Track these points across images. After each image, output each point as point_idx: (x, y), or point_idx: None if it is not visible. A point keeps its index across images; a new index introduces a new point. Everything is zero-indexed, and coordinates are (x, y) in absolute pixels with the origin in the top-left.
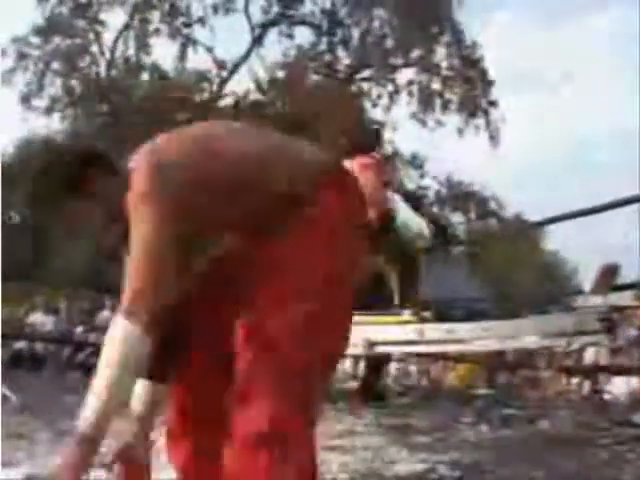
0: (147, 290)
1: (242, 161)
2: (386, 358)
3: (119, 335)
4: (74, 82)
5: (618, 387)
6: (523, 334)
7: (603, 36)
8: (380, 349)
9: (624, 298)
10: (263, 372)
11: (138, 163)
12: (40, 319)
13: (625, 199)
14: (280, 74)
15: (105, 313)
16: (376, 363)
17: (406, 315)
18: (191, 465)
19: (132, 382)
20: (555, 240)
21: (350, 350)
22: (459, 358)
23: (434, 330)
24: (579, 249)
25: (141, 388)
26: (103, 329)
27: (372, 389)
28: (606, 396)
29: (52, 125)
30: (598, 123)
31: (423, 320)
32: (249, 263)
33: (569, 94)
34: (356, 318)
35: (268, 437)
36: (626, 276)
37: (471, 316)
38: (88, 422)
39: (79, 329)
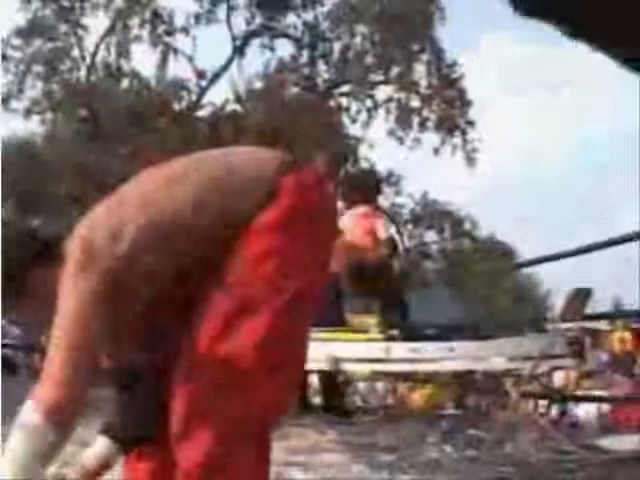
0: (62, 380)
1: (176, 211)
2: (347, 375)
3: (24, 428)
4: (54, 86)
5: (587, 410)
6: (490, 356)
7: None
8: (346, 366)
9: (599, 324)
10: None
11: (71, 243)
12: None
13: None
14: (259, 85)
15: None
16: (336, 380)
17: (373, 332)
18: None
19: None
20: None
21: (315, 365)
22: (426, 378)
23: (400, 349)
24: (554, 271)
25: (102, 445)
26: None
27: (337, 406)
28: (574, 420)
29: (31, 128)
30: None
31: (390, 338)
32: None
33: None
34: (322, 334)
35: (208, 468)
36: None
37: (441, 336)
38: None
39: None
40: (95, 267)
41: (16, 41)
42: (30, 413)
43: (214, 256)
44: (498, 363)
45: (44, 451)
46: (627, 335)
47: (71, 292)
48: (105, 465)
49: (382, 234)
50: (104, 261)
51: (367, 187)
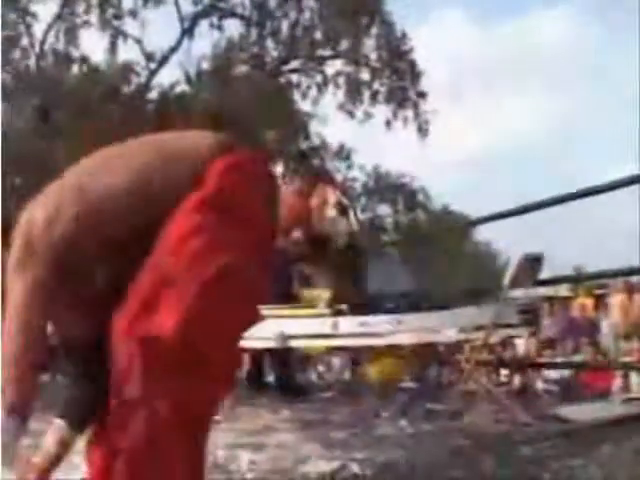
0: (15, 377)
1: (109, 197)
2: (300, 352)
3: None
4: (5, 75)
5: (548, 380)
6: (440, 327)
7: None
8: (294, 342)
9: (558, 290)
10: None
11: (15, 234)
12: None
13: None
14: (208, 66)
15: None
16: (287, 357)
17: (321, 308)
18: None
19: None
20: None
21: (264, 343)
22: (381, 352)
23: (348, 323)
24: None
25: (58, 428)
26: None
27: (289, 384)
28: (535, 389)
29: None
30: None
31: (338, 313)
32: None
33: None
34: (270, 311)
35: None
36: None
37: (392, 309)
38: None
39: None
40: (34, 260)
41: None
42: None
43: (149, 239)
44: (449, 334)
45: (10, 442)
46: (588, 301)
47: (14, 287)
48: (64, 446)
49: (330, 197)
50: (42, 252)
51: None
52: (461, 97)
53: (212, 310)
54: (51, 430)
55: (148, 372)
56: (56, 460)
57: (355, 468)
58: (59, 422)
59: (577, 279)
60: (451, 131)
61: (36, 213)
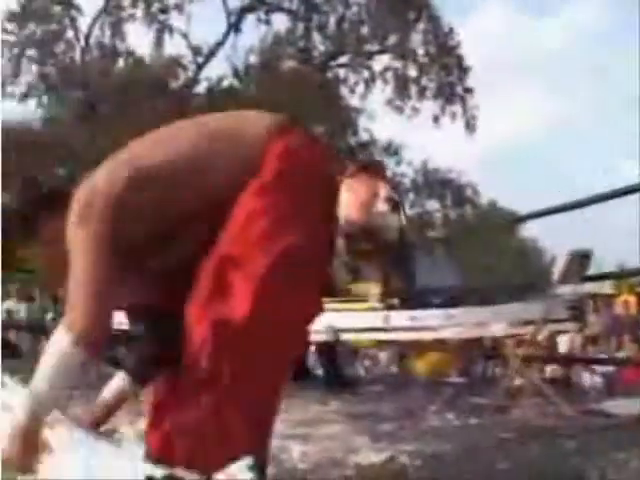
0: (88, 311)
1: (163, 169)
2: (349, 345)
3: (53, 347)
4: (49, 68)
5: (592, 375)
6: (490, 322)
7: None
8: (345, 336)
9: (602, 287)
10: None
11: (75, 196)
12: (14, 307)
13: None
14: (256, 60)
15: None
16: (335, 351)
17: (373, 301)
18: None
19: (55, 394)
20: (532, 226)
21: (315, 336)
22: (429, 346)
23: (400, 317)
24: (558, 236)
25: (119, 379)
26: None
27: (337, 377)
28: (579, 384)
29: (28, 112)
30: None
31: (390, 307)
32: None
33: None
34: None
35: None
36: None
37: (442, 304)
38: (25, 415)
39: (50, 316)
40: (95, 215)
41: (10, 26)
42: (61, 339)
43: (209, 213)
44: (498, 329)
45: (73, 372)
46: (631, 298)
47: (76, 240)
48: (122, 398)
49: (383, 192)
50: (102, 209)
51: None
52: (504, 91)
53: (280, 292)
54: (113, 382)
55: (219, 354)
56: (111, 411)
57: (405, 459)
58: (122, 376)
59: (620, 275)
60: (497, 126)
61: (95, 178)
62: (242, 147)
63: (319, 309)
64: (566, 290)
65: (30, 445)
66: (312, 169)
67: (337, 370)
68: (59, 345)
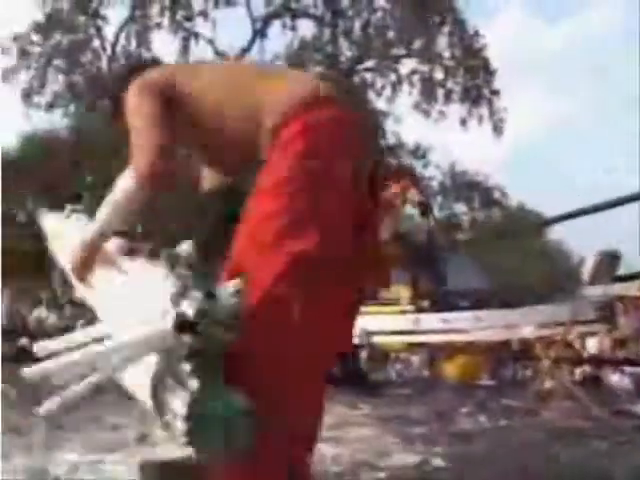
0: (152, 152)
1: (204, 90)
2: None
3: (119, 185)
4: (76, 78)
5: (621, 376)
6: (520, 324)
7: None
8: (377, 339)
9: (629, 288)
10: None
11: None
12: (44, 314)
13: (630, 196)
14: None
15: None
16: (356, 353)
17: (403, 304)
18: None
19: (118, 220)
20: (559, 228)
21: None
22: (459, 348)
23: (430, 320)
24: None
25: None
26: None
27: (361, 380)
28: (608, 386)
29: (54, 121)
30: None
31: (420, 310)
32: None
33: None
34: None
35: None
36: (631, 265)
37: (471, 306)
38: (92, 232)
39: (80, 323)
40: (147, 94)
41: (35, 37)
42: (125, 178)
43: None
44: (528, 331)
45: (135, 203)
46: None
47: (133, 111)
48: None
49: (414, 196)
50: (154, 91)
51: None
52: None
53: (289, 304)
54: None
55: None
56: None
57: (438, 461)
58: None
59: None
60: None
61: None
62: (271, 104)
63: (346, 324)
64: (596, 291)
65: (91, 258)
66: (337, 151)
67: (359, 373)
68: (124, 182)
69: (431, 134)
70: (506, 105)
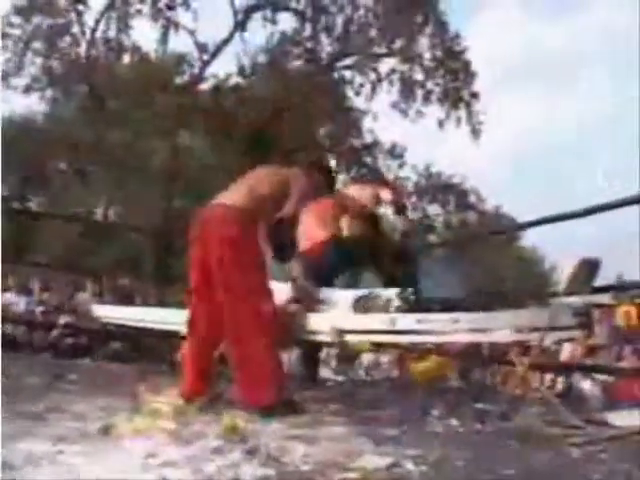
0: None
1: None
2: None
3: None
4: (54, 62)
5: (591, 385)
6: (495, 327)
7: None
8: (350, 337)
9: (602, 297)
10: None
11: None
12: (13, 300)
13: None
14: (262, 59)
15: (84, 295)
16: (314, 352)
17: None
18: None
19: None
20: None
21: (319, 337)
22: (429, 350)
23: (406, 320)
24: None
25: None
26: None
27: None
28: (579, 393)
29: (32, 105)
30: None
31: (396, 310)
32: None
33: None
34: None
35: None
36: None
37: (447, 308)
38: None
39: (41, 309)
40: None
41: (16, 19)
42: None
43: None
44: (505, 335)
45: None
46: (632, 309)
47: None
48: None
49: (387, 196)
50: None
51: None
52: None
53: None
54: None
55: None
56: None
57: (410, 465)
58: None
59: (622, 287)
60: (502, 131)
61: None
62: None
63: None
64: (573, 298)
65: None
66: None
67: (313, 372)
68: None
69: (409, 135)
70: (487, 108)
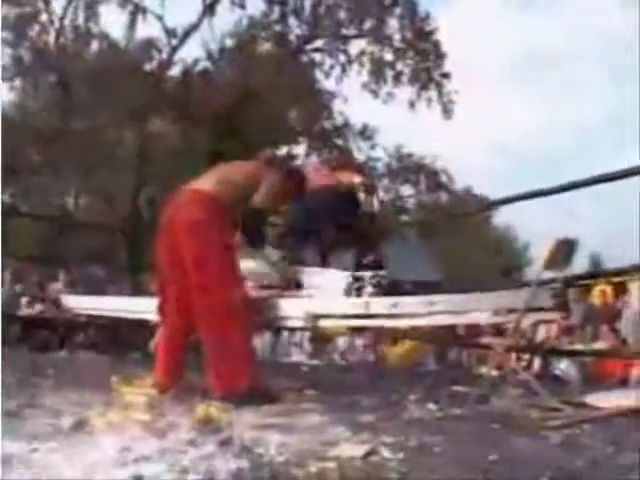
0: None
1: None
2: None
3: None
4: (23, 51)
5: (568, 365)
6: (473, 309)
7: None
8: (324, 322)
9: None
10: None
11: None
12: None
13: (584, 180)
14: (231, 43)
15: (57, 286)
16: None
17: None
18: None
19: None
20: (505, 214)
21: (292, 323)
22: (405, 333)
23: (379, 304)
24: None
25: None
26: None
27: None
28: (557, 373)
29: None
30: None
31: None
32: None
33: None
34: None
35: None
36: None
37: (421, 290)
38: None
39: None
40: None
41: None
42: None
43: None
44: (481, 317)
45: None
46: (608, 288)
47: None
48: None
49: (355, 178)
50: None
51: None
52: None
53: None
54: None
55: None
56: None
57: (387, 452)
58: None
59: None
60: (477, 113)
61: None
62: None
63: None
64: (548, 279)
65: None
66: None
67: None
68: None
69: (379, 116)
70: (458, 89)
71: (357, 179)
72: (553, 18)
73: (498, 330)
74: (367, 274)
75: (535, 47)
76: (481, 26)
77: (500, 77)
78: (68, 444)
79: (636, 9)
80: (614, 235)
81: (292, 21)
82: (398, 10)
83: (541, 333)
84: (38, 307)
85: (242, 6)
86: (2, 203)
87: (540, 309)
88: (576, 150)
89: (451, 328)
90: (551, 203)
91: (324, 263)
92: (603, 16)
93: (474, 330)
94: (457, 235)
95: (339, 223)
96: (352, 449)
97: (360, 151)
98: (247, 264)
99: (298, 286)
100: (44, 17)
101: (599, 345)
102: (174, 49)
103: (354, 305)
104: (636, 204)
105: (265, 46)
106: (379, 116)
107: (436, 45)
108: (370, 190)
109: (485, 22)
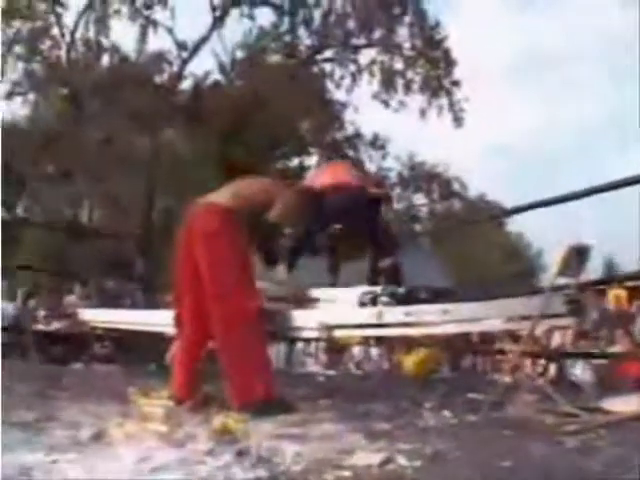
0: None
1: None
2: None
3: None
4: (35, 66)
5: (583, 370)
6: (487, 317)
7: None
8: (338, 332)
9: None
10: None
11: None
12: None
13: (594, 188)
14: (241, 55)
15: (72, 298)
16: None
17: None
18: None
19: None
20: (517, 221)
21: (307, 333)
22: (421, 341)
23: (393, 313)
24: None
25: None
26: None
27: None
28: (573, 379)
29: (14, 110)
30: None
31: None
32: None
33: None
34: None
35: None
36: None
37: (434, 299)
38: None
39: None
40: None
41: None
42: None
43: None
44: (495, 324)
45: None
46: (622, 292)
47: None
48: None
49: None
50: None
51: None
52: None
53: None
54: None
55: None
56: None
57: (403, 460)
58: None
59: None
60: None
61: None
62: None
63: None
64: (564, 283)
65: None
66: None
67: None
68: None
69: (391, 125)
70: (468, 96)
71: (376, 191)
72: (553, 18)
73: (512, 337)
74: (379, 289)
75: (535, 47)
76: (482, 29)
77: (500, 77)
78: (87, 455)
79: (636, 9)
80: (627, 239)
81: (302, 31)
82: (408, 19)
83: (556, 339)
84: (55, 322)
85: (251, 17)
86: (15, 215)
87: (554, 315)
88: (576, 150)
89: (465, 335)
90: (562, 209)
91: (337, 269)
92: (603, 16)
93: (488, 337)
94: (470, 242)
95: (360, 219)
96: (368, 457)
97: (372, 161)
98: (259, 284)
99: (312, 301)
100: (55, 31)
101: (615, 349)
102: (184, 61)
103: (368, 315)
104: None
105: (275, 57)
106: (390, 125)
107: (446, 53)
108: (387, 201)
109: (486, 24)
